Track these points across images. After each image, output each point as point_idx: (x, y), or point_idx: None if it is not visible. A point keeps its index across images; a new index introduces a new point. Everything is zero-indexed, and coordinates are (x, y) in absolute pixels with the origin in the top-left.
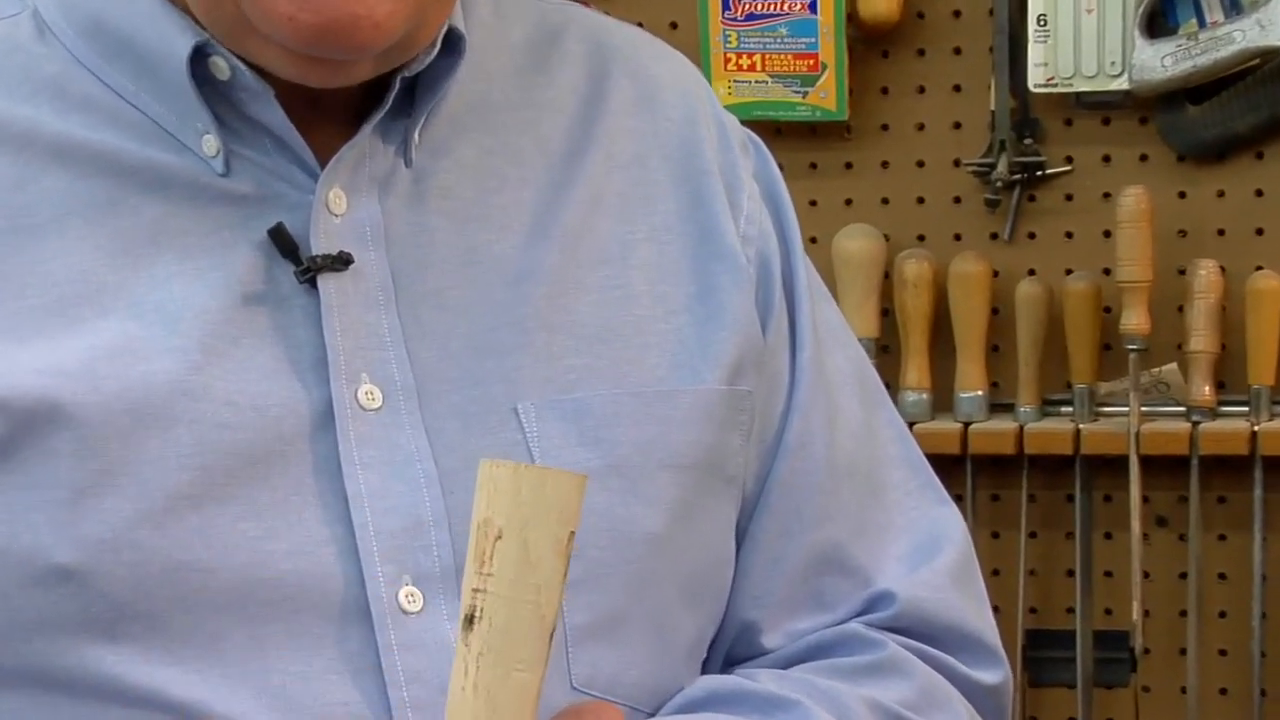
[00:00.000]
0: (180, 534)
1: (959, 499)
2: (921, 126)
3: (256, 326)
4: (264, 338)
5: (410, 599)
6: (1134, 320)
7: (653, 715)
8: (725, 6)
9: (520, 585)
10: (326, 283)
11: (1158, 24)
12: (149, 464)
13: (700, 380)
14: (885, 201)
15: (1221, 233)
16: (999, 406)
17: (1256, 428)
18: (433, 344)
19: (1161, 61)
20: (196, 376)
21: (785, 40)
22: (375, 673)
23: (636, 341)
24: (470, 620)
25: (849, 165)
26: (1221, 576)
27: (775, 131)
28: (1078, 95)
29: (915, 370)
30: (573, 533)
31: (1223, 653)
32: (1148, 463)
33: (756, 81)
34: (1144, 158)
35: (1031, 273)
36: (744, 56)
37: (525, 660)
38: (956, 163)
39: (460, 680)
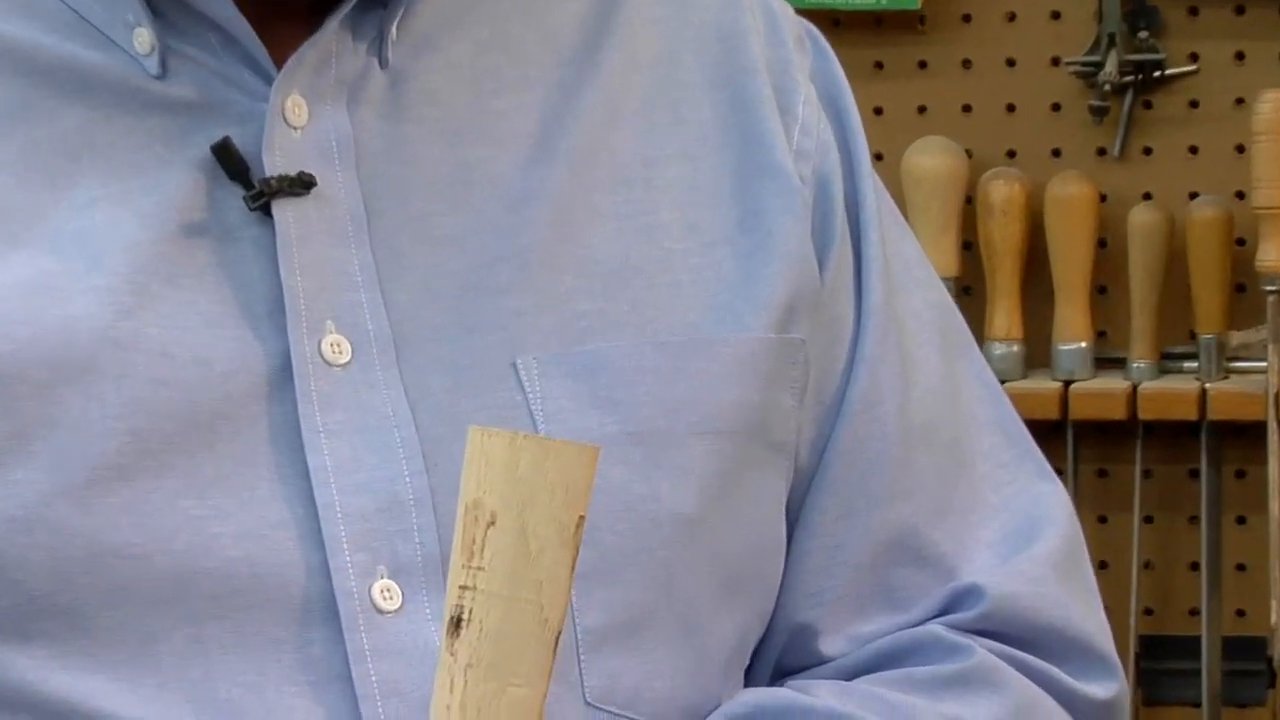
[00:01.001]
0: (106, 512)
1: (1058, 475)
2: (1012, 17)
3: (198, 263)
4: (207, 277)
5: (386, 595)
6: (1273, 255)
7: None
8: None
9: (518, 581)
10: (283, 210)
11: None
12: (68, 428)
13: (743, 327)
14: (967, 109)
15: None
16: (1107, 361)
17: None
18: (413, 285)
19: None
20: (126, 322)
21: None
22: (343, 684)
23: (663, 280)
24: (457, 624)
25: (923, 64)
26: None
27: (834, 23)
28: None
29: (1004, 317)
30: (583, 517)
31: None
32: None
33: None
34: None
35: (1147, 197)
36: None
37: (524, 673)
38: (1055, 61)
39: (444, 697)
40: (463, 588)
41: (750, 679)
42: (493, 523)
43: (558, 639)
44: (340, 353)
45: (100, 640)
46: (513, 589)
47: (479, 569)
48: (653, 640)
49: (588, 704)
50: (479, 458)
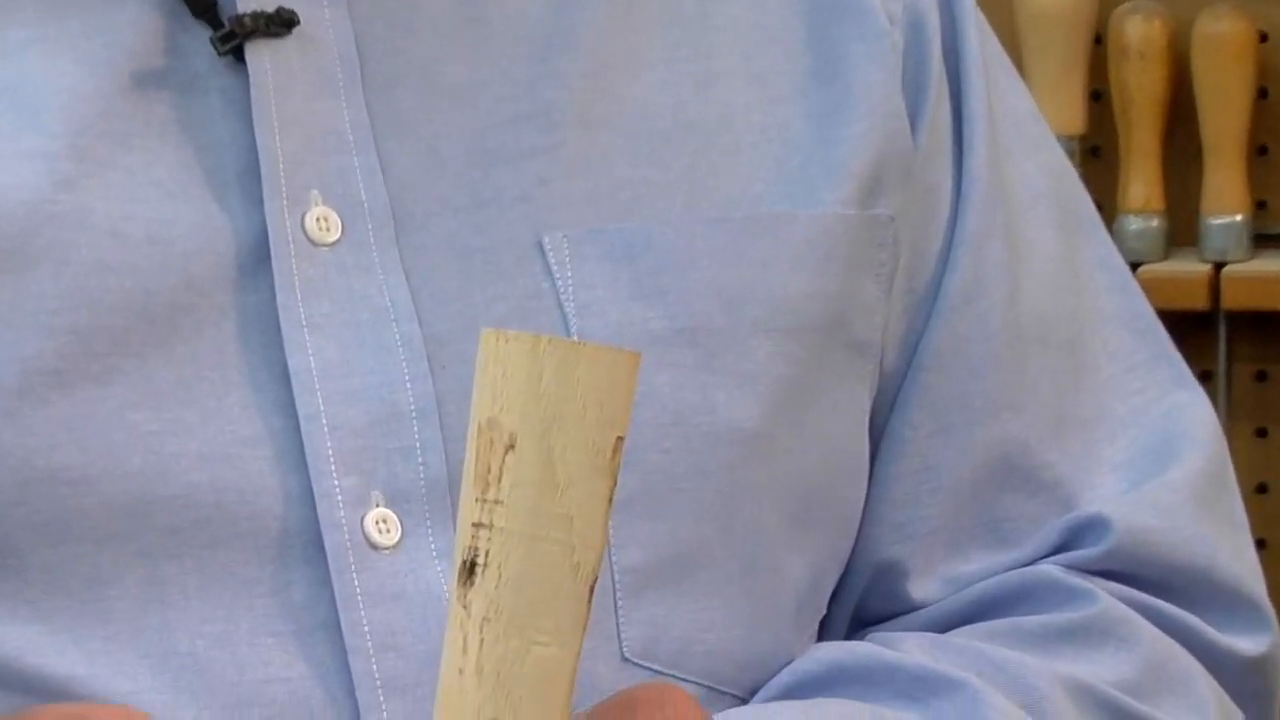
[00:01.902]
0: (41, 428)
1: (1206, 379)
2: None
3: (155, 121)
4: (167, 137)
5: (381, 527)
6: None
7: (747, 699)
8: None
9: (543, 517)
10: (259, 55)
11: None
12: None
13: (817, 201)
14: None
15: None
16: (1267, 239)
17: None
18: (417, 146)
19: None
20: (67, 195)
21: None
22: (330, 634)
23: (721, 142)
24: (470, 569)
25: None
26: None
27: None
28: None
29: (1141, 185)
30: (621, 438)
31: None
32: None
33: None
34: None
35: None
36: None
37: (552, 628)
38: None
39: (457, 658)
40: (477, 525)
41: (824, 631)
42: (512, 446)
43: (593, 586)
44: (327, 229)
45: (36, 584)
46: (537, 526)
47: (496, 503)
48: (706, 583)
49: (625, 660)
50: (494, 367)
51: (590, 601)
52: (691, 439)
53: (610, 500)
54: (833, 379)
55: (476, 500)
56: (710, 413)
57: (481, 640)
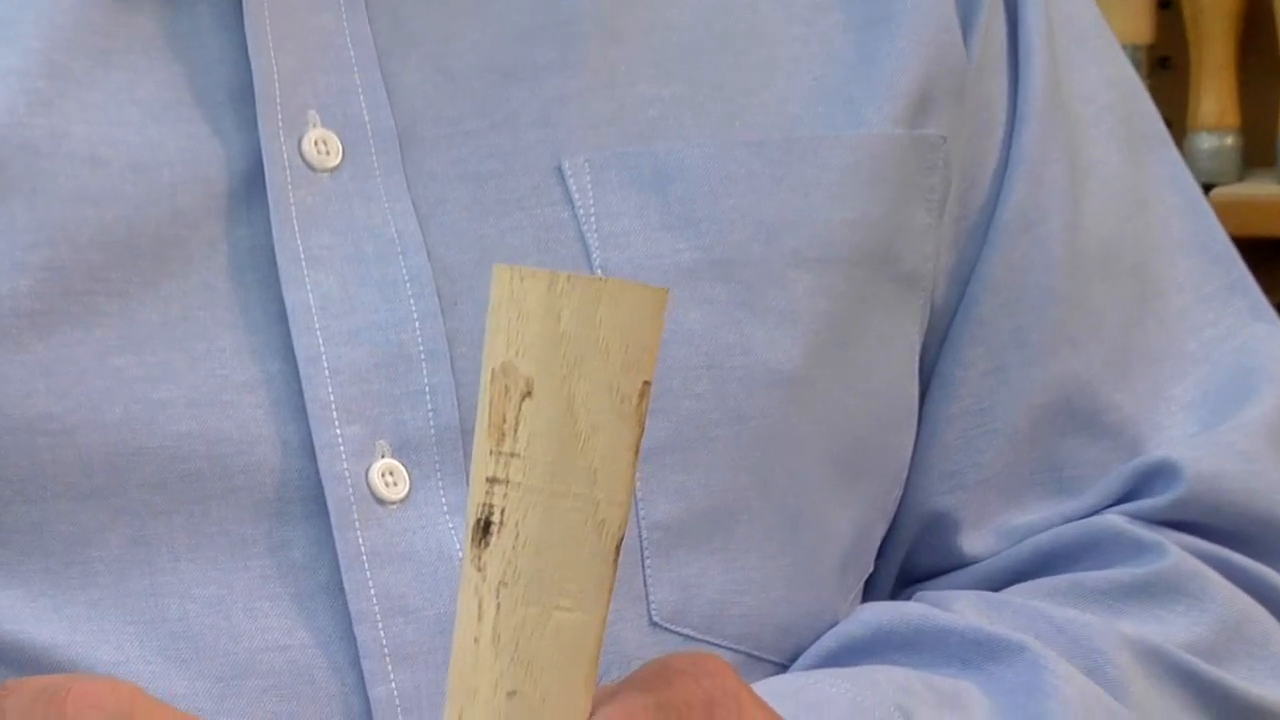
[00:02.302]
0: (15, 374)
1: None
2: None
3: (139, 35)
4: (152, 53)
5: (389, 479)
6: None
7: (786, 666)
8: None
9: (564, 471)
10: None
11: None
12: None
13: (861, 121)
14: None
15: None
16: None
17: None
18: (424, 62)
19: None
20: (40, 118)
21: None
22: (332, 598)
23: (756, 58)
24: (485, 529)
25: None
26: None
27: None
28: None
29: (1214, 99)
30: (648, 383)
31: None
32: None
33: None
34: None
35: None
36: None
37: (575, 592)
38: None
39: (471, 625)
40: (491, 481)
41: (869, 589)
42: (529, 393)
43: (619, 545)
44: (327, 153)
45: (12, 546)
46: (557, 482)
47: (512, 456)
48: (742, 540)
49: (653, 625)
50: (508, 307)
51: (616, 562)
52: (726, 382)
53: (637, 451)
54: (879, 315)
55: (491, 453)
56: (746, 353)
57: (498, 606)
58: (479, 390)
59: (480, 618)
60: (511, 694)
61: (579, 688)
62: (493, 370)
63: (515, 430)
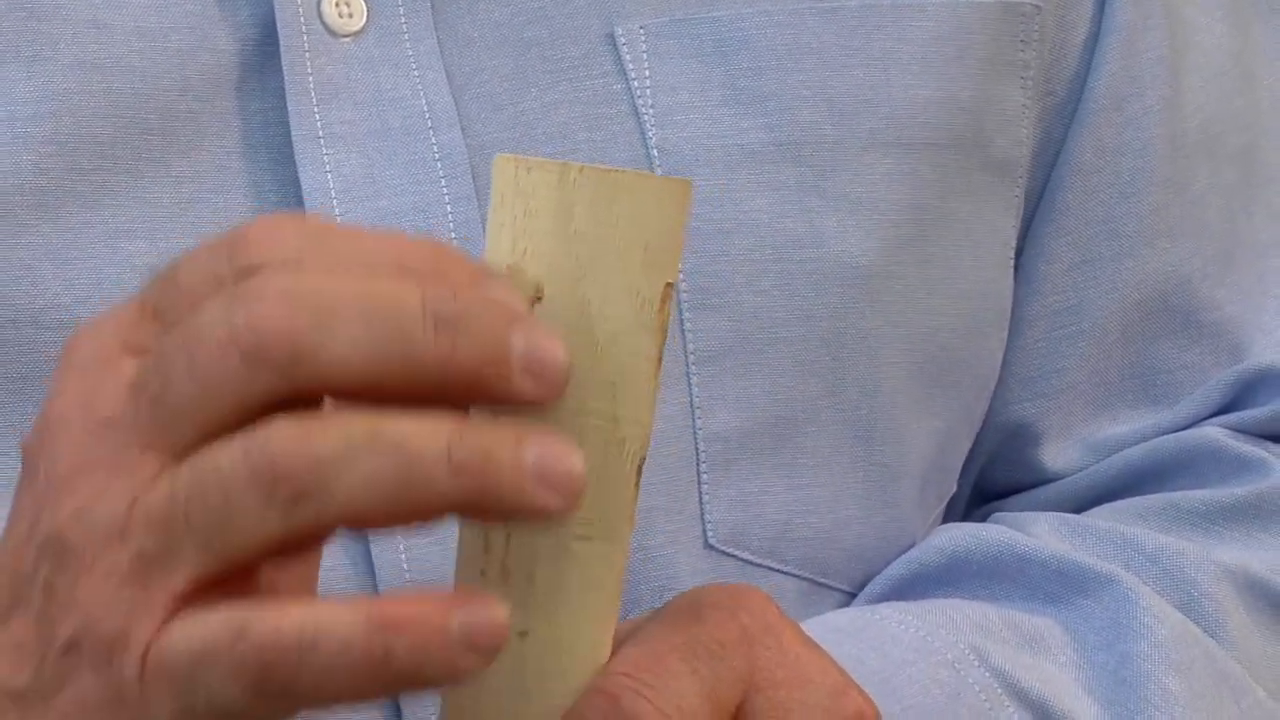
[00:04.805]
0: (20, 258)
1: None
2: None
3: None
4: None
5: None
6: None
7: (854, 595)
8: None
9: (579, 386)
10: None
11: None
12: None
13: None
14: None
15: None
16: None
17: None
18: None
19: None
20: None
21: None
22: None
23: None
24: None
25: None
26: None
27: None
28: None
29: None
30: (670, 285)
31: None
32: None
33: None
34: None
35: None
36: None
37: (593, 519)
38: None
39: (476, 558)
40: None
41: (949, 511)
42: (538, 299)
43: (640, 468)
44: (349, 15)
45: (11, 447)
46: (571, 398)
47: None
48: (810, 454)
49: (709, 547)
50: (513, 202)
51: (638, 485)
52: (794, 277)
53: (659, 361)
54: (968, 206)
55: None
56: (817, 245)
57: (507, 536)
58: None
59: (488, 549)
60: (524, 634)
61: (599, 624)
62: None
63: None
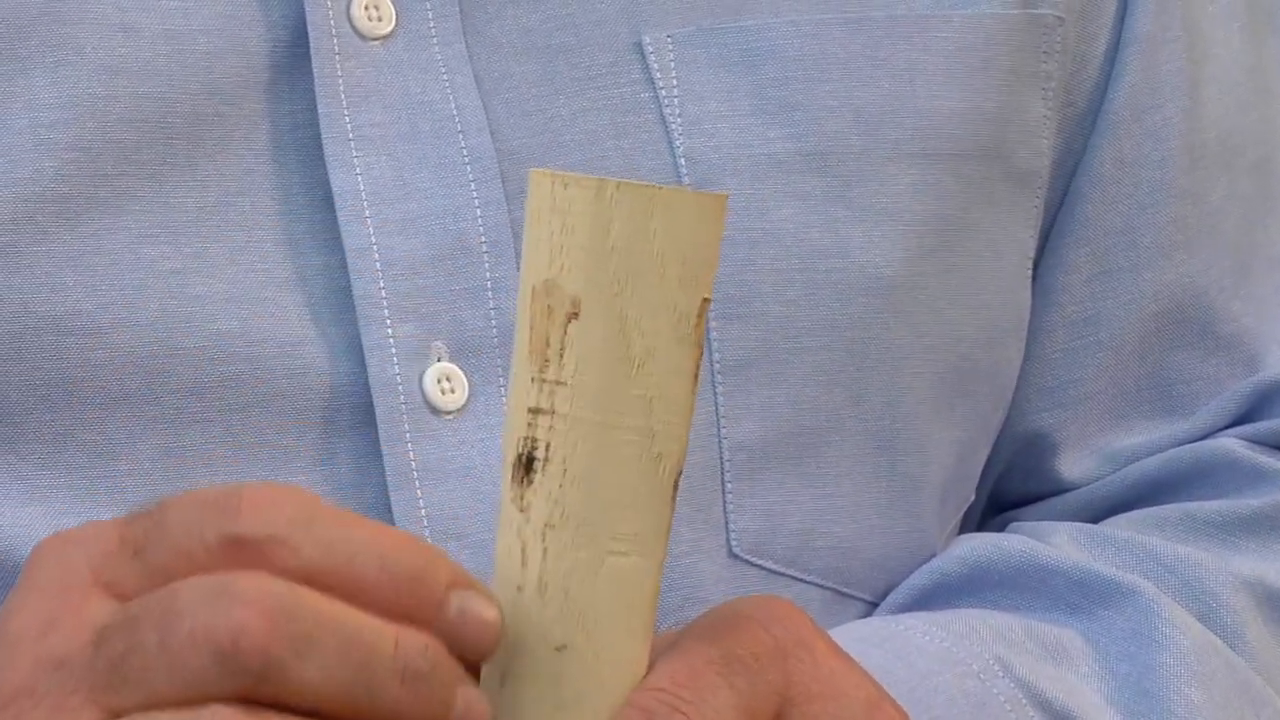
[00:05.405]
0: (42, 265)
1: None
2: None
3: None
4: None
5: (445, 386)
6: None
7: (876, 604)
8: None
9: (617, 400)
10: None
11: None
12: None
13: (971, 0)
14: None
15: None
16: None
17: None
18: None
19: None
20: None
21: None
22: (381, 518)
23: None
24: (527, 466)
25: None
26: None
27: None
28: None
29: None
30: (707, 300)
31: None
32: None
33: None
34: None
35: None
36: None
37: (630, 534)
38: None
39: (514, 573)
40: (534, 412)
41: (967, 520)
42: (575, 314)
43: (677, 482)
44: (379, 19)
45: (32, 458)
46: (609, 412)
47: (558, 384)
48: (834, 463)
49: (733, 556)
50: (550, 217)
51: (674, 500)
52: (819, 287)
53: (696, 376)
54: (990, 217)
55: (533, 380)
56: (842, 255)
57: (545, 551)
58: (516, 310)
59: (525, 564)
60: (561, 648)
61: (636, 638)
62: (533, 289)
63: (561, 356)
